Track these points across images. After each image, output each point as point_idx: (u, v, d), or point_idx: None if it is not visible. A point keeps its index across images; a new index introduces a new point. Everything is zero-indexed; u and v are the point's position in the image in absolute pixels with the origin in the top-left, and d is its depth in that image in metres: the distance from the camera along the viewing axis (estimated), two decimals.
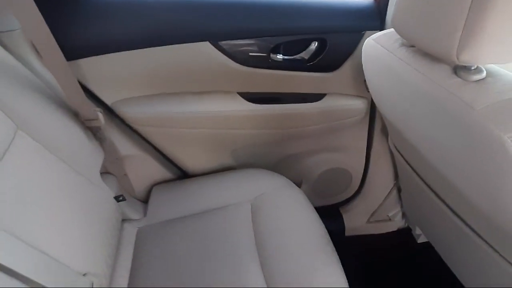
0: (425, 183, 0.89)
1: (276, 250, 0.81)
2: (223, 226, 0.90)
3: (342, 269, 0.79)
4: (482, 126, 0.49)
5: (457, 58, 0.52)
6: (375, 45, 0.78)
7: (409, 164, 0.95)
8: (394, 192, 1.29)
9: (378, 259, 1.31)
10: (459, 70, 0.57)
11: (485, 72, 0.55)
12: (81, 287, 0.64)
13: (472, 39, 0.50)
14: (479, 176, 0.54)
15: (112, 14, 0.88)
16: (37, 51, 0.84)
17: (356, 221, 1.37)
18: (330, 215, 1.36)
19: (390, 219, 1.37)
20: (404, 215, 1.36)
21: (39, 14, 0.71)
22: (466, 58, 0.52)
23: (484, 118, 0.49)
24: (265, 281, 0.76)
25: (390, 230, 1.39)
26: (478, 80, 0.55)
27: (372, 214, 1.36)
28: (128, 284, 0.81)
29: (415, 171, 0.93)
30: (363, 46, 0.82)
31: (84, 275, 0.66)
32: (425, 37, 0.57)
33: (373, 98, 0.89)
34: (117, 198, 0.91)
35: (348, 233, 1.38)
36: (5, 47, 0.79)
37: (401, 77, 0.68)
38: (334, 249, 0.84)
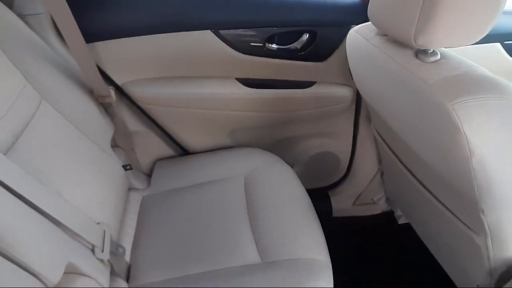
0: (403, 164, 0.99)
1: (265, 215, 0.92)
2: (219, 195, 1.01)
3: (322, 231, 0.90)
4: (432, 97, 0.60)
5: (415, 42, 0.63)
6: (356, 35, 0.89)
7: (389, 147, 1.06)
8: (378, 177, 1.40)
9: (362, 239, 1.42)
10: (419, 53, 0.68)
11: (439, 55, 0.66)
12: (96, 233, 0.75)
13: (426, 26, 0.61)
14: (434, 142, 0.65)
15: (127, 2, 0.99)
16: (58, 33, 0.96)
17: (343, 204, 1.47)
18: (319, 197, 1.47)
19: (374, 203, 1.47)
20: (387, 200, 1.46)
21: (64, 0, 0.82)
22: (421, 42, 0.63)
23: (434, 90, 0.60)
24: (255, 241, 0.87)
25: (374, 213, 1.49)
26: (433, 61, 0.66)
27: (358, 197, 1.46)
28: (133, 240, 0.92)
29: (394, 153, 1.03)
30: (347, 36, 0.93)
31: (98, 223, 0.77)
32: (391, 25, 0.68)
33: (356, 84, 1.00)
34: (125, 167, 1.02)
35: (335, 214, 1.48)
36: (31, 28, 0.89)
37: (376, 62, 0.79)
38: (316, 215, 0.94)
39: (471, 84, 0.59)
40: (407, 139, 0.77)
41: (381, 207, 1.49)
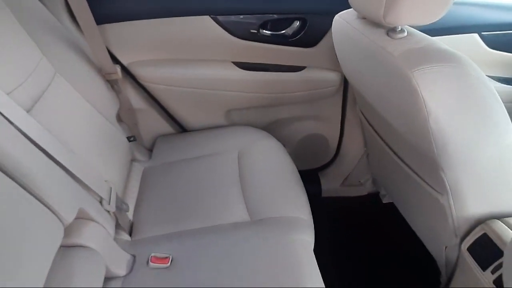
0: (382, 138, 1.09)
1: (255, 181, 1.01)
2: (214, 166, 1.10)
3: (306, 194, 0.99)
4: (397, 66, 0.70)
5: (384, 20, 0.73)
6: (340, 20, 0.98)
7: (370, 125, 1.15)
8: (365, 159, 1.49)
9: (349, 217, 1.51)
10: (389, 31, 0.77)
11: (406, 32, 0.76)
12: (103, 188, 0.84)
13: (393, 6, 0.70)
14: (399, 107, 0.74)
15: None
16: (70, 14, 1.05)
17: (332, 184, 1.57)
18: (310, 178, 1.56)
19: (361, 184, 1.57)
20: (374, 181, 1.56)
21: None
22: (389, 20, 0.72)
23: (399, 61, 0.70)
24: (245, 203, 0.96)
25: (361, 194, 1.59)
26: (401, 38, 0.75)
27: (346, 179, 1.56)
28: (135, 202, 1.02)
29: (374, 130, 1.13)
30: (333, 21, 1.03)
31: (105, 181, 0.87)
32: (365, 7, 0.78)
33: (341, 66, 1.09)
34: (129, 138, 1.12)
35: (324, 194, 1.58)
36: (48, 9, 0.99)
37: (355, 42, 0.88)
38: (302, 183, 1.04)
39: (429, 55, 0.68)
40: (380, 109, 0.87)
41: (367, 188, 1.59)
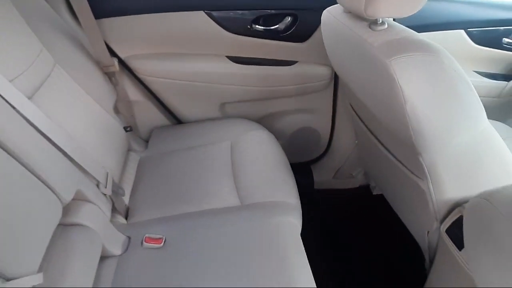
0: (368, 129, 1.13)
1: (246, 169, 1.06)
2: (208, 156, 1.15)
3: (295, 180, 1.03)
4: (377, 56, 0.74)
5: (365, 13, 0.77)
6: (328, 15, 1.03)
7: (359, 117, 1.19)
8: (356, 153, 1.53)
9: (340, 208, 1.56)
10: (371, 24, 0.82)
11: (386, 24, 0.80)
12: (100, 172, 0.89)
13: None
14: (380, 95, 0.79)
15: None
16: (69, 9, 1.10)
17: (324, 177, 1.61)
18: (303, 171, 1.61)
19: (353, 177, 1.61)
20: (365, 174, 1.60)
21: None
22: (370, 13, 0.77)
23: (378, 51, 0.74)
24: (236, 188, 1.01)
25: (353, 187, 1.63)
26: (381, 30, 0.80)
27: (337, 171, 1.60)
28: (131, 188, 1.06)
29: (362, 121, 1.17)
30: (322, 16, 1.07)
31: (102, 166, 0.91)
32: (348, 1, 0.82)
33: (330, 59, 1.13)
34: (125, 129, 1.16)
35: (317, 186, 1.62)
36: (47, 2, 1.04)
37: (341, 35, 0.93)
38: (291, 171, 1.08)
39: (406, 45, 0.73)
40: (364, 99, 0.91)
41: (359, 181, 1.63)
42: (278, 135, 1.48)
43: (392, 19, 1.17)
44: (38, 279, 0.58)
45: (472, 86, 0.74)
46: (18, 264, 0.56)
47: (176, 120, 1.39)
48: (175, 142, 1.24)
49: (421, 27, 1.31)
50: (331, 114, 1.47)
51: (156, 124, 1.35)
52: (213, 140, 1.21)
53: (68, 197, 0.74)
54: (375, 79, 0.78)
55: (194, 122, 1.35)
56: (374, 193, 1.56)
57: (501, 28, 1.38)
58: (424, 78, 0.70)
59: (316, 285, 0.78)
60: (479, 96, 1.60)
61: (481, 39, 1.39)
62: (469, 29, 1.36)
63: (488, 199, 0.44)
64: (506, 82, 1.43)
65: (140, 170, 1.14)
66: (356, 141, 1.50)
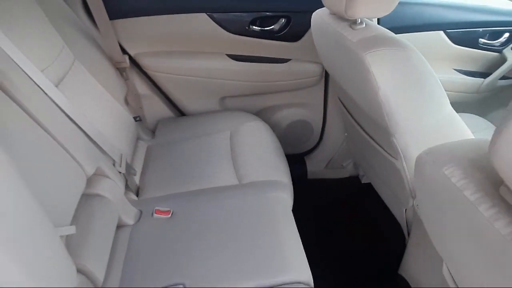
0: (354, 119, 1.25)
1: (243, 153, 1.18)
2: (209, 143, 1.27)
3: (287, 163, 1.16)
4: (355, 50, 0.87)
5: (346, 14, 0.90)
6: (316, 17, 1.15)
7: (346, 109, 1.32)
8: (346, 145, 1.66)
9: (331, 196, 1.68)
10: (351, 24, 0.95)
11: (364, 24, 0.93)
12: (116, 153, 1.01)
13: (351, 2, 0.87)
14: (358, 84, 0.91)
15: None
16: (86, 10, 1.23)
17: (316, 167, 1.73)
18: (297, 162, 1.73)
19: (343, 167, 1.74)
20: (354, 165, 1.73)
21: None
22: (350, 14, 0.89)
23: (356, 46, 0.87)
24: (234, 170, 1.13)
25: (343, 176, 1.76)
26: (360, 28, 0.92)
27: (329, 162, 1.73)
28: (141, 170, 1.18)
29: (350, 114, 1.30)
30: (312, 18, 1.20)
31: (117, 149, 1.03)
32: (332, 4, 0.95)
33: (320, 57, 1.26)
34: (135, 118, 1.28)
35: (309, 176, 1.74)
36: (68, 5, 1.17)
37: (328, 34, 1.06)
38: (284, 155, 1.21)
39: (379, 41, 0.85)
40: (348, 90, 1.04)
41: (349, 171, 1.75)
42: (273, 127, 1.60)
43: (376, 20, 1.30)
44: (72, 229, 0.70)
45: (436, 76, 0.87)
46: (55, 218, 0.68)
47: (180, 112, 1.51)
48: (179, 132, 1.37)
49: (404, 28, 1.44)
50: (322, 108, 1.60)
51: (162, 116, 1.48)
52: (214, 130, 1.34)
53: (90, 170, 0.86)
54: (354, 70, 0.91)
55: (196, 114, 1.48)
56: (363, 181, 1.68)
57: (478, 29, 1.51)
58: (394, 69, 0.83)
59: (305, 252, 0.89)
60: (459, 92, 1.76)
61: (459, 40, 1.52)
62: (448, 30, 1.49)
63: (427, 152, 0.56)
64: (483, 79, 1.56)
65: (148, 156, 1.26)
66: (346, 134, 1.62)
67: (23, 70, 0.81)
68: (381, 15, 0.90)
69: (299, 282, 0.79)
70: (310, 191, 1.69)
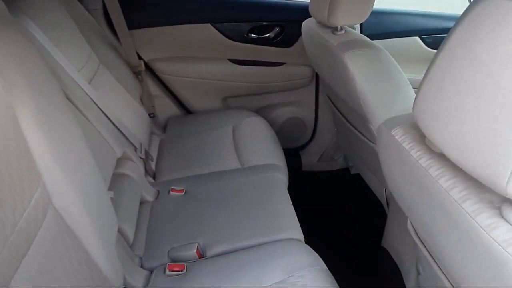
0: (341, 113, 1.44)
1: (245, 144, 1.37)
2: (214, 136, 1.45)
3: (282, 151, 1.34)
4: (335, 51, 1.06)
5: (328, 22, 1.09)
6: (306, 25, 1.35)
7: (333, 104, 1.51)
8: (335, 139, 1.84)
9: (324, 186, 1.85)
10: (334, 30, 1.14)
11: (344, 30, 1.12)
12: (136, 141, 1.19)
13: (333, 11, 1.07)
14: (340, 79, 1.10)
15: (154, 4, 1.47)
16: (107, 22, 1.42)
17: (310, 160, 1.92)
18: (292, 155, 1.91)
19: (335, 160, 1.92)
20: (344, 158, 1.91)
21: (116, 0, 1.29)
22: (332, 22, 1.09)
23: (336, 48, 1.06)
24: (237, 156, 1.31)
25: (335, 169, 1.93)
26: (340, 34, 1.12)
27: (321, 155, 1.91)
28: (156, 159, 1.36)
29: (337, 109, 1.48)
30: (302, 26, 1.40)
31: (137, 138, 1.22)
32: (317, 14, 1.15)
33: (310, 61, 1.45)
34: (150, 115, 1.47)
35: (304, 168, 1.92)
36: (93, 17, 1.36)
37: (315, 40, 1.25)
38: (279, 144, 1.39)
39: (355, 44, 1.05)
40: (332, 85, 1.23)
41: (340, 164, 1.94)
42: (271, 124, 1.79)
43: (359, 27, 1.50)
44: (111, 194, 0.87)
45: (402, 72, 1.06)
46: None
47: (188, 110, 1.70)
48: (187, 127, 1.55)
49: (384, 35, 1.64)
50: (314, 106, 1.79)
51: (172, 114, 1.66)
52: (218, 125, 1.52)
53: (119, 152, 1.04)
54: (336, 68, 1.10)
55: (202, 112, 1.66)
56: (352, 172, 1.86)
57: None
58: (367, 66, 1.02)
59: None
60: None
61: (434, 44, 1.71)
62: (423, 36, 1.69)
63: (384, 122, 0.73)
64: None
65: (161, 147, 1.44)
66: (335, 129, 1.81)
67: (66, 70, 0.99)
68: (356, 22, 1.10)
69: (292, 239, 0.97)
70: (304, 182, 1.87)
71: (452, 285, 0.71)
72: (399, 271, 1.28)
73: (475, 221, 0.45)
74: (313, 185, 1.86)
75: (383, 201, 1.38)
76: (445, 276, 0.74)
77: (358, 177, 1.69)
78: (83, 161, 0.69)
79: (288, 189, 1.23)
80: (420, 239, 0.86)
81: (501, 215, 0.44)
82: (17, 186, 0.54)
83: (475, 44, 0.43)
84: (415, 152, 0.60)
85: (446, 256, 0.61)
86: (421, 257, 0.91)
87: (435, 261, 0.78)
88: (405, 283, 1.24)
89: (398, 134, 0.66)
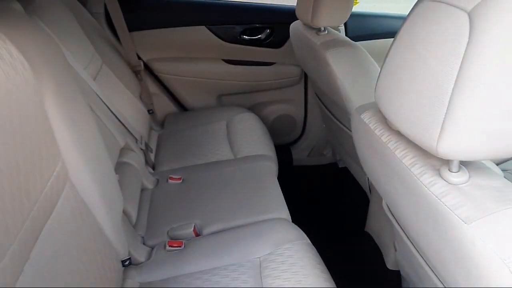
0: (328, 110, 1.55)
1: (237, 137, 1.47)
2: (209, 130, 1.55)
3: (272, 142, 1.45)
4: (318, 50, 1.17)
5: (312, 23, 1.21)
6: (293, 27, 1.46)
7: (320, 101, 1.62)
8: (325, 135, 1.95)
9: (313, 180, 1.96)
10: (317, 31, 1.25)
11: (327, 31, 1.24)
12: (137, 134, 1.29)
13: (315, 14, 1.18)
14: (323, 77, 1.21)
15: (152, 8, 1.57)
16: (108, 25, 1.52)
17: (300, 155, 2.02)
18: (283, 151, 2.02)
19: (324, 155, 2.03)
20: (333, 153, 2.02)
21: (117, 3, 1.39)
22: (315, 23, 1.20)
23: (319, 47, 1.17)
24: (230, 148, 1.42)
25: (324, 163, 2.04)
26: (323, 35, 1.23)
27: (311, 151, 2.02)
28: (155, 152, 1.46)
29: (323, 103, 1.59)
30: (290, 27, 1.51)
31: (138, 131, 1.32)
32: (302, 16, 1.26)
33: (298, 60, 1.56)
34: (149, 111, 1.57)
35: (295, 163, 2.03)
36: (96, 19, 1.46)
37: (302, 40, 1.36)
38: (270, 137, 1.50)
39: (336, 43, 1.16)
40: (317, 81, 1.34)
41: (329, 159, 2.04)
42: (262, 121, 1.90)
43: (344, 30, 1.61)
44: (117, 177, 0.97)
45: (378, 67, 1.17)
46: None
47: (184, 108, 1.81)
48: (184, 123, 1.65)
49: (367, 36, 1.76)
50: (303, 104, 1.90)
51: (169, 111, 1.77)
52: (213, 120, 1.62)
53: (122, 142, 1.14)
54: (319, 65, 1.21)
55: (198, 109, 1.77)
56: (340, 166, 1.97)
57: None
58: (346, 62, 1.13)
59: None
60: None
61: None
62: None
63: (356, 108, 0.84)
64: None
65: (160, 141, 1.54)
66: (324, 125, 1.92)
67: (73, 67, 1.09)
68: (337, 24, 1.21)
69: (280, 218, 1.07)
70: (295, 176, 1.97)
71: (419, 253, 0.81)
72: (381, 253, 1.39)
73: (420, 181, 0.56)
74: (303, 179, 1.97)
75: (366, 190, 1.49)
76: (412, 244, 0.84)
77: (345, 170, 1.79)
78: (95, 143, 0.79)
79: (280, 183, 1.33)
80: (392, 215, 0.96)
81: (440, 175, 0.55)
82: (42, 162, 0.64)
83: (414, 38, 0.54)
84: (379, 131, 0.70)
85: (407, 221, 0.72)
86: (396, 233, 1.01)
87: (404, 233, 0.89)
88: (386, 264, 1.35)
89: (366, 117, 0.76)
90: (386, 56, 0.63)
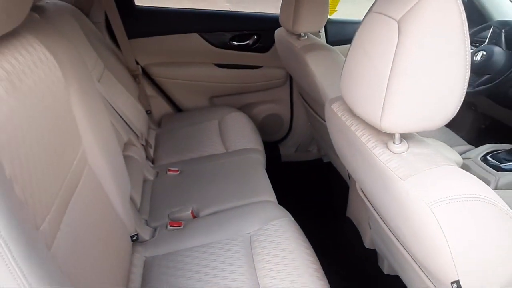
0: (312, 109, 1.70)
1: (228, 133, 1.62)
2: (202, 127, 1.70)
3: (261, 138, 1.59)
4: (299, 53, 1.32)
5: (293, 29, 1.36)
6: (278, 33, 1.62)
7: (305, 100, 1.77)
8: (310, 132, 2.11)
9: (300, 174, 2.11)
10: (298, 36, 1.41)
11: (306, 36, 1.39)
12: (138, 131, 1.43)
13: (296, 20, 1.33)
14: (302, 76, 1.36)
15: (149, 17, 1.72)
16: (109, 33, 1.67)
17: (288, 151, 2.17)
18: (272, 148, 2.16)
19: (309, 151, 2.18)
20: (318, 149, 2.17)
21: (117, 13, 1.54)
22: (295, 29, 1.35)
23: (300, 50, 1.32)
24: (222, 142, 1.56)
25: (310, 159, 2.19)
26: (303, 39, 1.38)
27: (298, 147, 2.17)
28: (154, 147, 1.60)
29: (307, 103, 1.75)
30: (275, 34, 1.66)
31: (138, 128, 1.46)
32: (284, 23, 1.42)
33: (283, 63, 1.72)
34: (147, 112, 1.71)
35: (283, 159, 2.18)
36: (97, 28, 1.61)
37: (285, 45, 1.52)
38: (258, 133, 1.65)
39: (314, 47, 1.32)
40: (299, 82, 1.49)
41: (314, 155, 2.20)
42: (252, 120, 2.05)
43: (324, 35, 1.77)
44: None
45: None
46: None
47: (179, 109, 1.95)
48: (179, 122, 1.80)
49: (345, 41, 1.91)
50: (289, 104, 2.06)
51: (165, 112, 1.91)
52: (206, 119, 1.77)
53: (125, 138, 1.28)
54: (300, 67, 1.36)
55: (192, 109, 1.92)
56: (324, 161, 2.12)
57: None
58: (322, 63, 1.29)
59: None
60: None
61: None
62: None
63: (329, 101, 0.99)
64: None
65: (158, 139, 1.68)
66: (309, 123, 2.08)
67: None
68: (315, 29, 1.37)
69: (267, 200, 1.21)
70: (283, 171, 2.12)
71: (383, 221, 0.96)
72: (360, 234, 1.54)
73: (373, 153, 0.71)
74: (291, 173, 2.12)
75: (346, 179, 1.64)
76: (379, 215, 0.99)
77: (329, 164, 1.95)
78: (108, 131, 0.93)
79: (269, 178, 1.42)
80: (364, 194, 1.11)
81: (387, 147, 0.70)
82: (67, 147, 0.77)
83: (363, 40, 0.70)
84: (344, 117, 0.86)
85: (371, 193, 0.87)
86: (368, 211, 1.16)
87: (373, 207, 1.04)
88: (364, 243, 1.50)
89: (335, 107, 0.92)
90: (346, 57, 0.78)
